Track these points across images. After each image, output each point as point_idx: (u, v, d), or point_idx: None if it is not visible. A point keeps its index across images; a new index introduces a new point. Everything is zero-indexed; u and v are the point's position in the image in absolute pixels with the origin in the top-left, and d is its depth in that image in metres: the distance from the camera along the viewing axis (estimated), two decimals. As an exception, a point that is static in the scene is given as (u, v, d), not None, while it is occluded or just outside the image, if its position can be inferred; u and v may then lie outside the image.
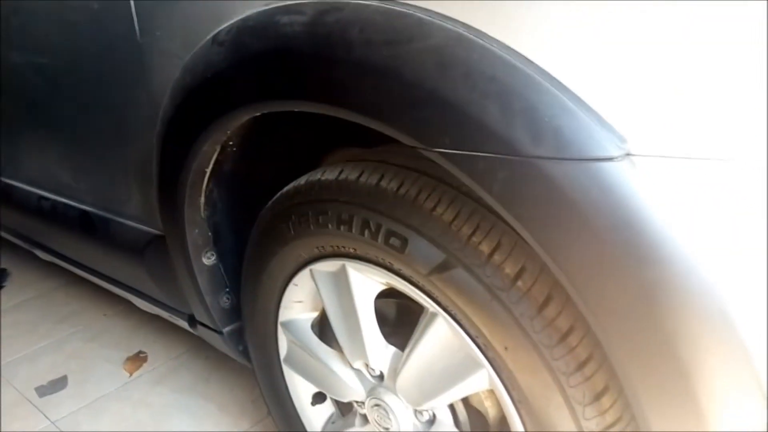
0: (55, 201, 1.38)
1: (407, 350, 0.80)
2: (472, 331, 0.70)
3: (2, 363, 1.76)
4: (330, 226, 0.81)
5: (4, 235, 1.98)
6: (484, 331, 0.68)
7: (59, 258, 1.63)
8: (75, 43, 1.10)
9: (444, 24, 0.60)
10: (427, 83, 0.59)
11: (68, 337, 1.85)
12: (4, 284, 2.27)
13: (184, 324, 1.27)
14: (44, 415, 1.52)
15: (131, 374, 1.63)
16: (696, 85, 0.52)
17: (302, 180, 0.86)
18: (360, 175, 0.77)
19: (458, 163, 0.60)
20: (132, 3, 0.94)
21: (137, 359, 1.69)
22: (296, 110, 0.74)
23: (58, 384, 1.63)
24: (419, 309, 0.78)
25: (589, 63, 0.54)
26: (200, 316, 1.16)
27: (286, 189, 0.89)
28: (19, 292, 2.19)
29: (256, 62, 0.74)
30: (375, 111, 0.65)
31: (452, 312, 0.71)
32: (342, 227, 0.79)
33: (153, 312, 1.42)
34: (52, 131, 1.29)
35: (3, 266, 2.36)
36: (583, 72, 0.55)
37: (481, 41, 0.58)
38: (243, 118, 0.82)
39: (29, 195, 1.46)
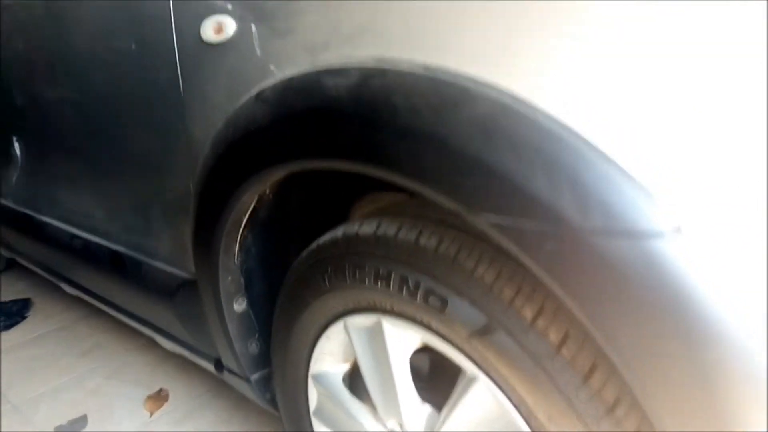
0: (87, 240, 1.39)
1: (444, 412, 0.79)
2: (514, 398, 0.68)
3: (23, 399, 1.76)
4: (367, 281, 0.80)
5: (31, 267, 2.00)
6: (527, 399, 0.66)
7: (86, 293, 1.64)
8: (117, 86, 1.12)
9: (489, 93, 0.60)
10: (472, 152, 0.60)
11: (89, 373, 1.85)
12: (26, 315, 2.29)
13: (210, 367, 1.27)
14: (64, 455, 1.51)
15: (152, 414, 1.62)
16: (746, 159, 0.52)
17: (339, 232, 0.86)
18: (398, 231, 0.77)
19: (503, 231, 0.60)
20: (176, 52, 0.95)
21: (158, 398, 1.68)
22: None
23: (78, 423, 1.62)
24: (455, 365, 0.77)
25: (638, 136, 0.54)
26: (227, 361, 1.15)
27: (322, 240, 0.89)
28: (42, 323, 2.20)
29: (300, 121, 0.75)
30: (419, 175, 0.65)
31: (494, 377, 0.70)
32: (379, 283, 0.79)
33: (177, 352, 1.41)
34: (89, 171, 1.31)
35: (27, 296, 2.38)
36: (632, 145, 0.54)
37: (526, 111, 0.58)
38: (284, 172, 0.83)
39: (62, 232, 1.48)
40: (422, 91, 0.63)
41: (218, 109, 0.90)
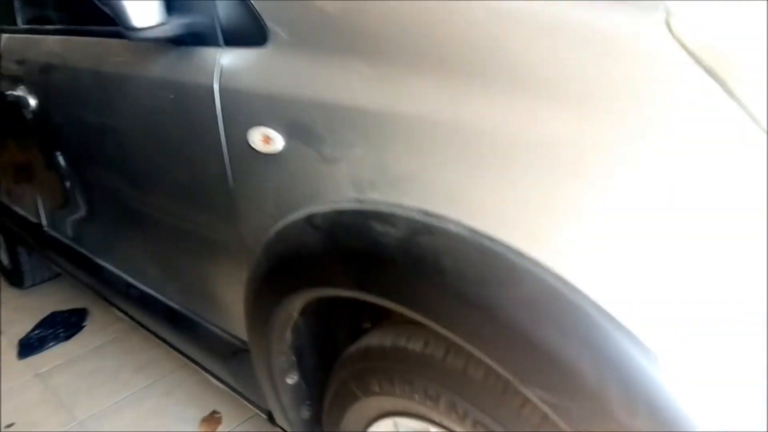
0: (143, 291, 1.46)
1: None
2: None
3: (88, 415, 1.88)
4: (416, 396, 0.85)
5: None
6: None
7: (140, 325, 1.72)
8: (167, 167, 1.16)
9: (537, 272, 0.62)
10: (519, 329, 0.62)
11: (146, 390, 1.96)
12: (84, 324, 2.41)
13: (260, 413, 1.34)
14: (130, 479, 1.63)
15: (207, 437, 1.73)
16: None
17: (388, 341, 0.90)
18: (446, 355, 0.81)
19: (553, 405, 0.62)
20: (225, 152, 0.98)
21: (212, 420, 1.78)
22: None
23: (140, 444, 1.74)
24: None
25: (687, 338, 0.56)
26: (280, 421, 1.22)
27: (371, 342, 0.93)
28: (98, 334, 2.32)
29: (350, 257, 0.78)
30: (467, 336, 0.68)
31: None
32: (428, 402, 0.83)
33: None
34: (145, 236, 1.37)
35: (81, 305, 2.50)
36: (681, 345, 0.56)
37: (574, 298, 0.60)
38: (333, 293, 0.86)
39: (119, 279, 1.56)
40: (469, 259, 0.66)
41: (268, 216, 0.93)
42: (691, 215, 0.55)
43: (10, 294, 2.73)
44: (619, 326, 0.58)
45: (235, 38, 0.96)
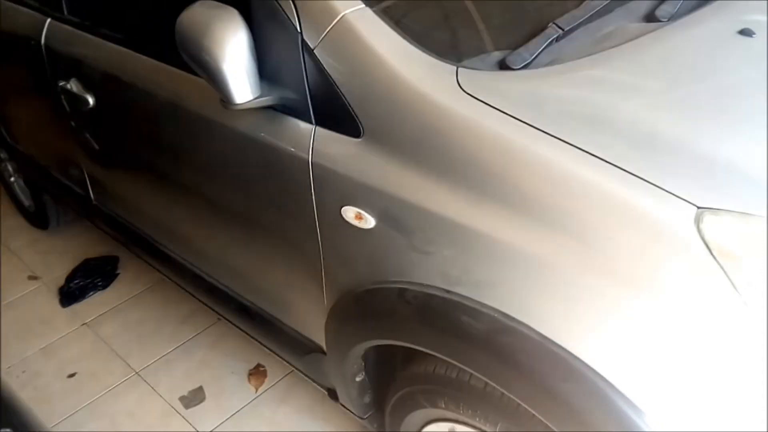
0: (213, 284, 1.66)
1: None
2: None
3: (142, 366, 2.13)
4: (477, 419, 1.10)
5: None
6: None
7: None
8: (257, 207, 1.33)
9: (586, 373, 0.86)
10: (563, 400, 0.90)
11: (193, 342, 2.20)
12: (117, 272, 2.60)
13: (320, 389, 1.60)
14: (194, 428, 1.91)
15: (257, 390, 2.00)
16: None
17: (454, 373, 1.14)
18: (502, 396, 1.06)
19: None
20: (316, 214, 1.16)
21: (259, 374, 2.05)
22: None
23: (198, 395, 2.01)
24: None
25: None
26: (344, 401, 1.49)
27: (439, 371, 1.17)
28: (134, 283, 2.51)
29: (438, 333, 1.01)
30: (527, 400, 0.96)
31: None
32: (488, 425, 1.09)
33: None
34: (224, 240, 1.52)
35: (110, 252, 2.67)
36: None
37: (603, 386, 0.85)
38: (415, 347, 1.09)
39: (184, 267, 1.75)
40: (538, 357, 0.89)
41: (356, 275, 1.13)
42: (684, 341, 0.81)
43: (35, 236, 2.87)
44: (624, 397, 0.84)
45: (326, 120, 1.10)
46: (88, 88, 1.65)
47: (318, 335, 1.36)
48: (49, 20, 1.74)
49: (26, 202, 2.85)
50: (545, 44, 1.06)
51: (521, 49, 1.06)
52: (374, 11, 1.05)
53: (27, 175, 2.63)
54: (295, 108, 1.14)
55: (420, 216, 0.99)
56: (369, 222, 1.07)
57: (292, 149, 1.14)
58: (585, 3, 1.17)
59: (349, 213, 1.09)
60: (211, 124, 1.30)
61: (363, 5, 1.06)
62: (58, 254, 2.74)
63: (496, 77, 1.02)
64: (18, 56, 1.91)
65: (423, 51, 1.02)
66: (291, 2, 1.08)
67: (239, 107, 1.12)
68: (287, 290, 1.40)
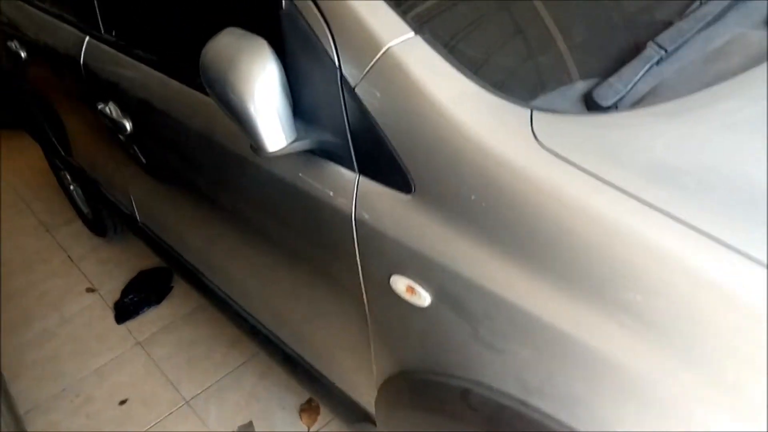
0: (257, 326, 1.52)
1: None
2: None
3: (193, 395, 2.04)
4: None
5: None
6: None
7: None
8: (295, 254, 1.17)
9: None
10: None
11: (243, 370, 2.09)
12: (172, 284, 2.53)
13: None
14: (244, 468, 1.80)
15: (308, 428, 1.86)
16: None
17: None
18: None
19: None
20: (362, 279, 0.98)
21: (311, 410, 1.91)
22: None
23: (247, 429, 1.89)
24: None
25: None
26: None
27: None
28: (186, 299, 2.43)
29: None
30: None
31: None
32: None
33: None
34: (263, 267, 1.34)
35: (156, 264, 2.60)
36: None
37: None
38: None
39: (227, 303, 1.62)
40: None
41: (407, 353, 0.95)
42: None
43: (95, 243, 2.85)
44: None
45: (372, 170, 0.91)
46: (126, 113, 1.52)
47: (369, 404, 1.19)
48: (87, 38, 1.62)
49: (85, 209, 2.84)
50: (643, 71, 0.82)
51: (613, 79, 0.82)
52: (425, 40, 0.84)
53: (81, 185, 2.59)
54: (336, 153, 0.96)
55: (488, 301, 0.78)
56: (423, 298, 0.87)
57: (334, 201, 0.96)
58: (691, 10, 0.92)
59: (399, 284, 0.90)
60: (244, 164, 1.14)
61: (412, 34, 0.85)
62: (115, 264, 2.71)
63: (583, 123, 0.77)
64: (63, 73, 1.82)
65: (487, 89, 0.80)
66: (328, 31, 0.89)
67: (272, 155, 0.94)
68: (335, 349, 1.23)
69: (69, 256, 2.83)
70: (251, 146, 0.97)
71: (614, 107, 0.80)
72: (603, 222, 0.68)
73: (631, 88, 0.80)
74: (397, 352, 0.98)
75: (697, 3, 0.95)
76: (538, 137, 0.74)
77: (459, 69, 0.81)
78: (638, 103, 0.81)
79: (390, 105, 0.84)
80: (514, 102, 0.79)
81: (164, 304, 2.45)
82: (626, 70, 0.81)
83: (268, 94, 0.91)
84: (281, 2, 0.96)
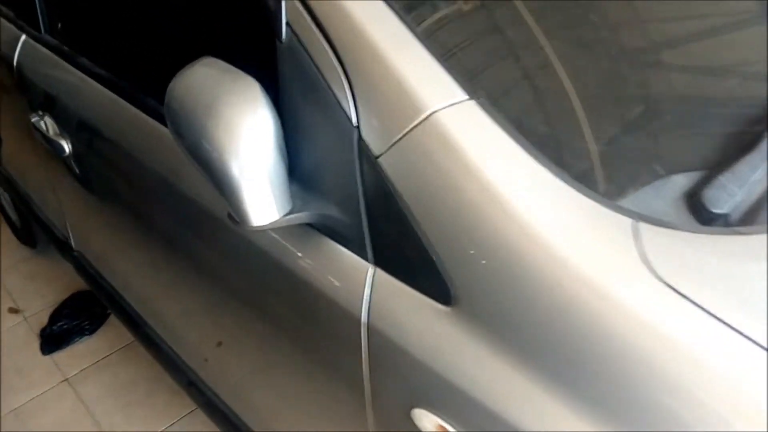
0: (213, 401, 1.27)
1: None
2: None
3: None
4: None
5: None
6: None
7: None
8: (271, 305, 0.94)
9: None
10: None
11: (189, 420, 1.85)
12: (108, 311, 2.24)
13: None
14: None
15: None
16: None
17: None
18: None
19: None
20: (369, 405, 0.77)
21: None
22: None
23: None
24: None
25: None
26: None
27: None
28: (123, 331, 2.12)
29: None
30: None
31: None
32: None
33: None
34: (230, 336, 1.10)
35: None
36: None
37: None
38: None
39: (176, 365, 1.37)
40: None
41: None
42: None
43: (23, 255, 2.53)
44: None
45: (393, 264, 0.70)
46: (65, 132, 1.26)
47: None
48: (24, 37, 1.34)
49: (12, 216, 2.52)
50: (764, 169, 0.64)
51: (725, 178, 0.63)
52: (483, 106, 0.64)
53: (10, 194, 2.27)
54: (342, 233, 0.74)
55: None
56: (453, 437, 0.67)
57: (337, 293, 0.75)
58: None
59: (426, 422, 0.68)
60: (216, 223, 0.91)
61: (465, 97, 0.64)
62: (44, 280, 2.40)
63: (705, 247, 0.57)
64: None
65: (568, 181, 0.60)
66: (344, 78, 0.68)
67: (257, 229, 0.72)
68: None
69: (-7, 268, 2.50)
70: (229, 215, 0.74)
71: (727, 216, 0.61)
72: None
73: (746, 190, 0.61)
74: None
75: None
76: (650, 262, 0.54)
77: (529, 150, 0.61)
78: (755, 210, 0.62)
79: (429, 189, 0.63)
80: (607, 204, 0.59)
81: (99, 333, 2.17)
82: (741, 167, 0.62)
83: (259, 153, 0.69)
84: (280, 31, 0.74)
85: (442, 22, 0.73)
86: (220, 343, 1.12)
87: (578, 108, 0.71)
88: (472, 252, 0.60)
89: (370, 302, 0.71)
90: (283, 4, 0.73)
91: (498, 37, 0.74)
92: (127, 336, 2.12)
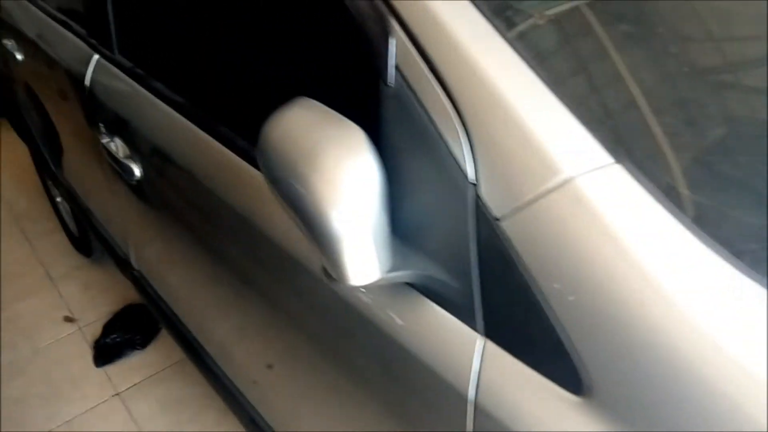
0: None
1: None
2: None
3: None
4: None
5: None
6: None
7: None
8: (356, 361, 0.88)
9: None
10: None
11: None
12: (160, 325, 2.22)
13: None
14: None
15: None
16: None
17: None
18: None
19: None
20: None
21: None
22: None
23: None
24: None
25: None
26: None
27: None
28: (175, 347, 2.11)
29: None
30: None
31: None
32: None
33: None
34: (305, 384, 1.03)
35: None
36: None
37: None
38: None
39: (236, 399, 1.32)
40: None
41: None
42: None
43: (78, 263, 2.53)
44: None
45: (509, 339, 0.63)
46: (136, 156, 1.23)
47: None
48: (97, 57, 1.32)
49: (71, 225, 2.53)
50: None
51: None
52: (632, 173, 0.56)
53: (70, 204, 2.28)
54: (448, 297, 0.67)
55: None
56: None
57: (438, 364, 0.68)
58: None
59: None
60: (303, 272, 0.85)
61: (611, 161, 0.57)
62: (99, 290, 2.41)
63: None
64: (64, 89, 1.51)
65: (738, 265, 0.52)
66: (462, 131, 0.62)
67: (355, 287, 0.66)
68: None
69: (48, 273, 2.52)
70: (324, 270, 0.68)
71: None
72: None
73: None
74: None
75: None
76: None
77: (688, 226, 0.53)
78: None
79: (562, 261, 0.56)
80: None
81: (151, 347, 2.15)
82: None
83: (361, 206, 0.63)
84: (386, 74, 0.68)
85: (575, 72, 0.66)
86: (299, 396, 1.06)
87: (749, 174, 0.62)
88: (619, 343, 0.52)
89: (479, 378, 0.64)
90: (392, 45, 0.67)
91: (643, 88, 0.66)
92: (178, 352, 2.11)
